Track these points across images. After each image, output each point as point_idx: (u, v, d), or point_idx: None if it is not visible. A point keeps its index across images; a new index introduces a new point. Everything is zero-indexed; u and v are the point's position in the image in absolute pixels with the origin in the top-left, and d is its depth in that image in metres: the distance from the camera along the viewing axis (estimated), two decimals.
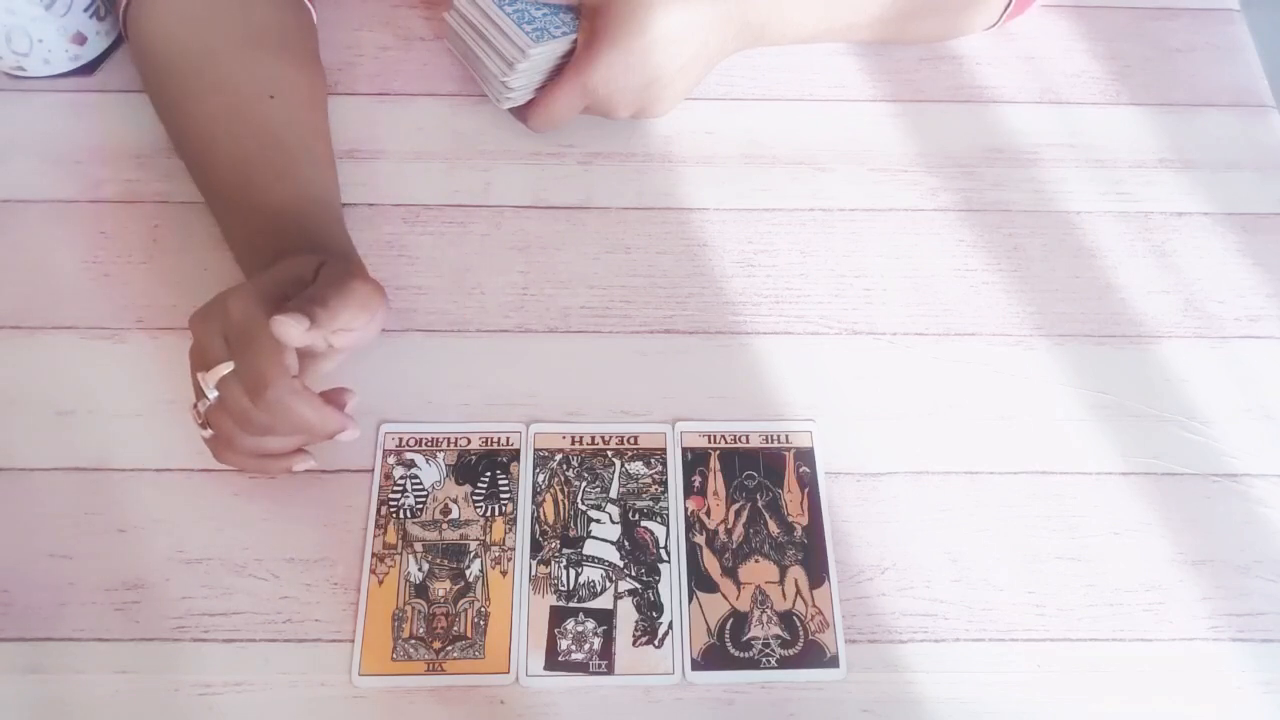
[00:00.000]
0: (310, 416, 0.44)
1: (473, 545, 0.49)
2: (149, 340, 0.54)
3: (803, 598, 0.48)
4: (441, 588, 0.48)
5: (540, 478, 0.51)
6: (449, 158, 0.61)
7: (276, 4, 0.58)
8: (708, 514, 0.50)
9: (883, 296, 0.57)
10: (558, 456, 0.51)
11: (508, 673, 0.46)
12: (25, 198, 0.58)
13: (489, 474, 0.51)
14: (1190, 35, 0.68)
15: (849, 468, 0.52)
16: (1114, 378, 0.55)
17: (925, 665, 0.47)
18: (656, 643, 0.47)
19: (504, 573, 0.48)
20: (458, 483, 0.51)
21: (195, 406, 0.46)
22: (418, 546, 0.49)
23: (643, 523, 0.50)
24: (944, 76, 0.65)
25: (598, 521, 0.50)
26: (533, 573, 0.48)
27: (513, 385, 0.53)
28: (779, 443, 0.52)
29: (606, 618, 0.47)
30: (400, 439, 0.51)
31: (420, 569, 0.48)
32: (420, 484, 0.50)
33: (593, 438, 0.52)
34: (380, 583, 0.48)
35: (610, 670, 0.46)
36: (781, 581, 0.49)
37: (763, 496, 0.51)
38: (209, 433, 0.46)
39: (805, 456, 0.52)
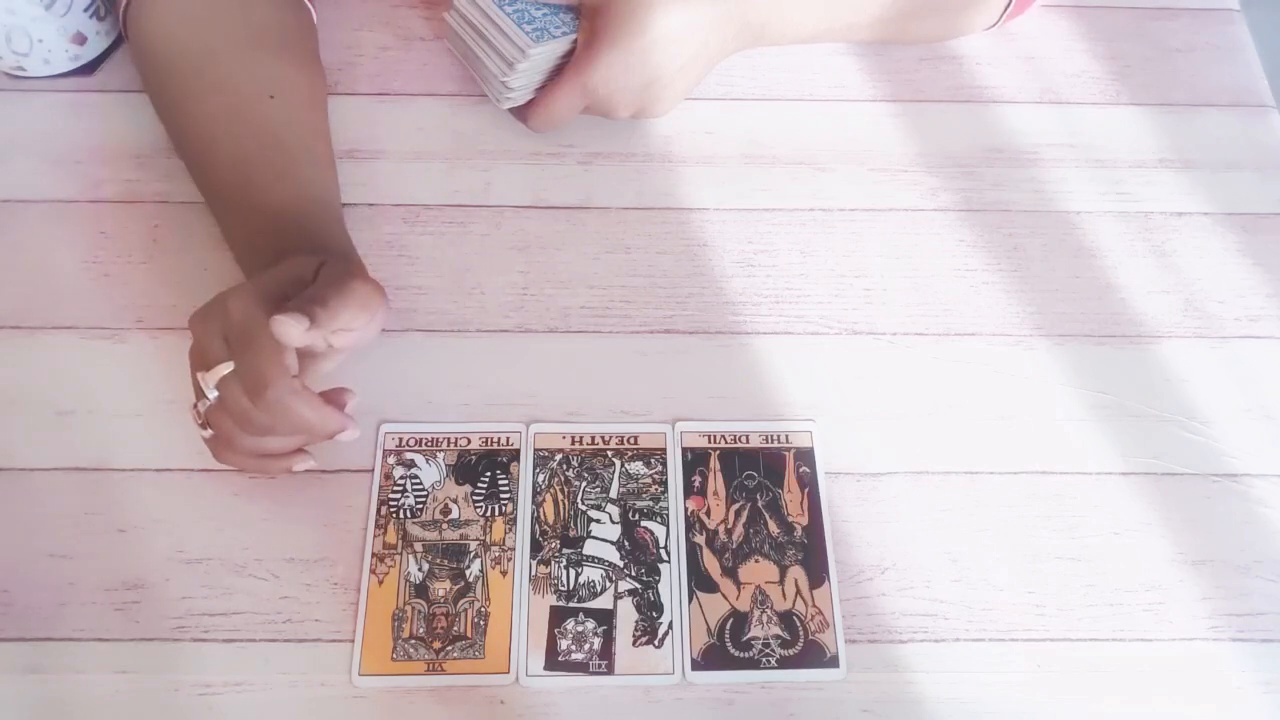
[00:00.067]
0: (310, 416, 0.44)
1: (473, 545, 0.49)
2: (149, 340, 0.54)
3: (803, 598, 0.48)
4: (441, 588, 0.48)
5: (540, 478, 0.51)
6: (449, 158, 0.61)
7: (276, 4, 0.58)
8: (708, 514, 0.50)
9: (883, 296, 0.57)
10: (558, 456, 0.51)
11: (508, 673, 0.46)
12: (25, 198, 0.58)
13: (489, 474, 0.51)
14: (1190, 35, 0.68)
15: (849, 468, 0.52)
16: (1114, 378, 0.55)
17: (925, 665, 0.47)
18: (656, 643, 0.47)
19: (504, 573, 0.48)
20: (458, 483, 0.51)
21: (195, 406, 0.46)
22: (418, 546, 0.49)
23: (643, 523, 0.50)
24: (944, 76, 0.65)
25: (598, 521, 0.50)
26: (533, 573, 0.48)
27: (513, 385, 0.53)
28: (779, 443, 0.52)
29: (606, 618, 0.47)
30: (400, 439, 0.51)
31: (420, 569, 0.48)
32: (420, 484, 0.50)
33: (593, 438, 0.52)
34: (380, 583, 0.48)
35: (610, 670, 0.46)
36: (781, 581, 0.49)
37: (763, 496, 0.51)
38: (209, 433, 0.46)
39: (805, 456, 0.52)
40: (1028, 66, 0.66)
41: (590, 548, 0.49)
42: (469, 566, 0.48)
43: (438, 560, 0.49)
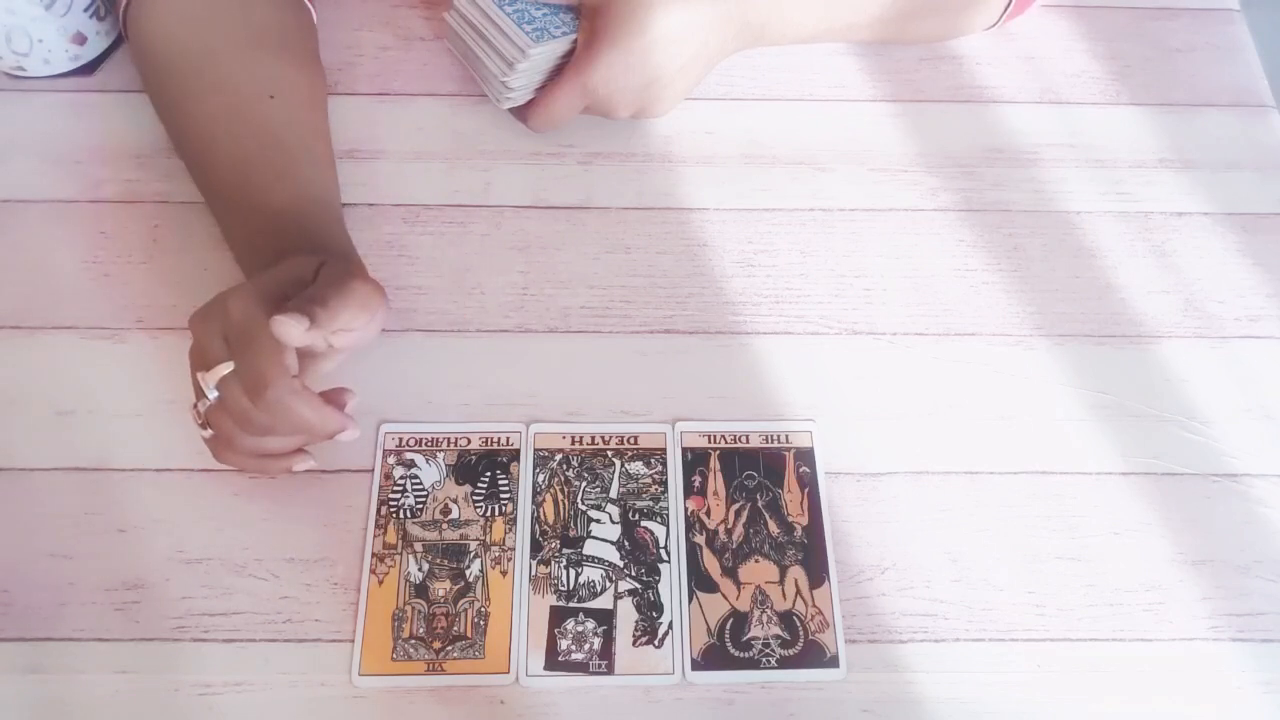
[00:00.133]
0: (310, 416, 0.44)
1: (473, 545, 0.49)
2: (149, 340, 0.54)
3: (803, 598, 0.48)
4: (441, 588, 0.48)
5: (540, 478, 0.51)
6: (449, 158, 0.61)
7: (276, 4, 0.58)
8: (708, 514, 0.50)
9: (883, 296, 0.57)
10: (558, 456, 0.51)
11: (508, 673, 0.46)
12: (25, 198, 0.58)
13: (489, 474, 0.51)
14: (1190, 35, 0.68)
15: (849, 468, 0.52)
16: (1114, 378, 0.55)
17: (925, 665, 0.47)
18: (656, 643, 0.47)
19: (504, 573, 0.48)
20: (458, 483, 0.51)
21: (195, 406, 0.46)
22: (418, 546, 0.49)
23: (643, 523, 0.50)
24: (944, 76, 0.65)
25: (598, 521, 0.50)
26: (533, 573, 0.48)
27: (513, 385, 0.53)
28: (779, 443, 0.52)
29: (606, 618, 0.47)
30: (400, 439, 0.51)
31: (420, 569, 0.48)
32: (420, 484, 0.50)
33: (593, 438, 0.52)
34: (380, 583, 0.48)
35: (610, 670, 0.46)
36: (781, 581, 0.49)
37: (763, 496, 0.51)
38: (209, 433, 0.46)
39: (805, 456, 0.52)
40: (1028, 66, 0.66)
41: (590, 548, 0.49)
42: (469, 566, 0.48)
43: (438, 560, 0.49)
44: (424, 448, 0.51)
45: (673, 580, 0.48)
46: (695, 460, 0.51)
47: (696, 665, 0.47)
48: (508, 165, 0.61)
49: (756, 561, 0.49)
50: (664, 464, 0.51)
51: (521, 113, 0.60)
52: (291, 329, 0.41)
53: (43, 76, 0.61)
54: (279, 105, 0.54)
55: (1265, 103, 0.65)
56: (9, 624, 0.47)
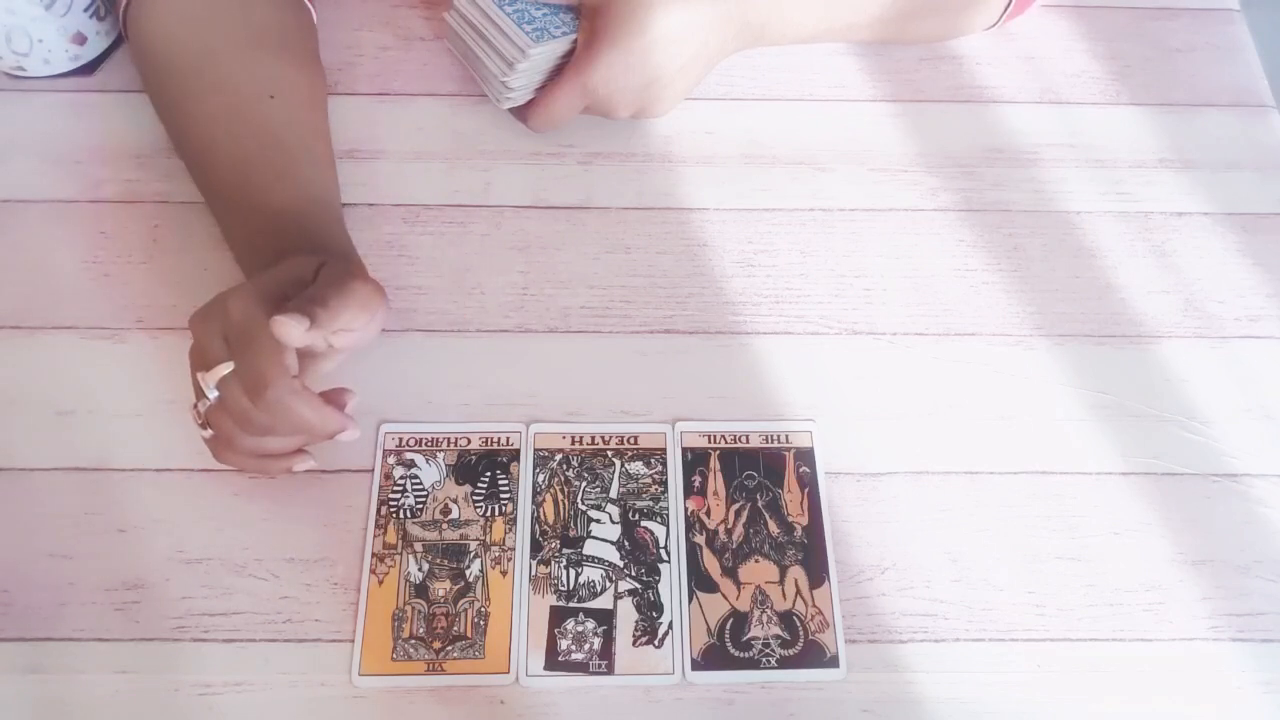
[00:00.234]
0: (310, 417, 0.44)
1: (473, 545, 0.49)
2: (149, 340, 0.54)
3: (803, 598, 0.48)
4: (441, 588, 0.48)
5: (540, 478, 0.51)
6: (449, 158, 0.61)
7: (276, 4, 0.58)
8: (708, 514, 0.50)
9: (883, 296, 0.57)
10: (558, 456, 0.51)
11: (508, 673, 0.46)
12: (25, 198, 0.58)
13: (489, 474, 0.51)
14: (1190, 35, 0.68)
15: (849, 468, 0.52)
16: (1114, 378, 0.55)
17: (925, 665, 0.47)
18: (656, 643, 0.47)
19: (504, 573, 0.48)
20: (458, 483, 0.51)
21: (195, 406, 0.46)
22: (418, 546, 0.49)
23: (643, 523, 0.50)
24: (944, 76, 0.65)
25: (598, 521, 0.50)
26: (533, 573, 0.48)
27: (513, 385, 0.53)
28: (779, 443, 0.52)
29: (606, 618, 0.47)
30: (400, 439, 0.51)
31: (420, 569, 0.48)
32: (420, 484, 0.50)
33: (593, 438, 0.52)
34: (380, 583, 0.48)
35: (610, 670, 0.46)
36: (781, 581, 0.49)
37: (763, 496, 0.51)
38: (209, 433, 0.46)
39: (805, 456, 0.52)
40: (1028, 66, 0.66)
41: (590, 548, 0.49)
42: (469, 566, 0.48)
43: (438, 560, 0.49)
44: (424, 448, 0.51)
45: (673, 580, 0.48)
46: (695, 460, 0.51)
47: (696, 665, 0.47)
48: (508, 165, 0.61)
49: (756, 561, 0.49)
50: (664, 464, 0.51)
51: (521, 113, 0.60)
52: (292, 329, 0.41)
53: (43, 76, 0.61)
54: (279, 105, 0.54)
55: (1265, 103, 0.65)
56: (9, 624, 0.47)
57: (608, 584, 0.48)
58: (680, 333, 0.55)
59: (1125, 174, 0.62)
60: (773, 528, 0.50)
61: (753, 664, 0.47)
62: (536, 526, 0.49)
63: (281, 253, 0.47)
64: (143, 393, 0.52)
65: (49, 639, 0.46)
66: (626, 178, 0.61)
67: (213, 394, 0.44)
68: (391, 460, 0.51)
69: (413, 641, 0.47)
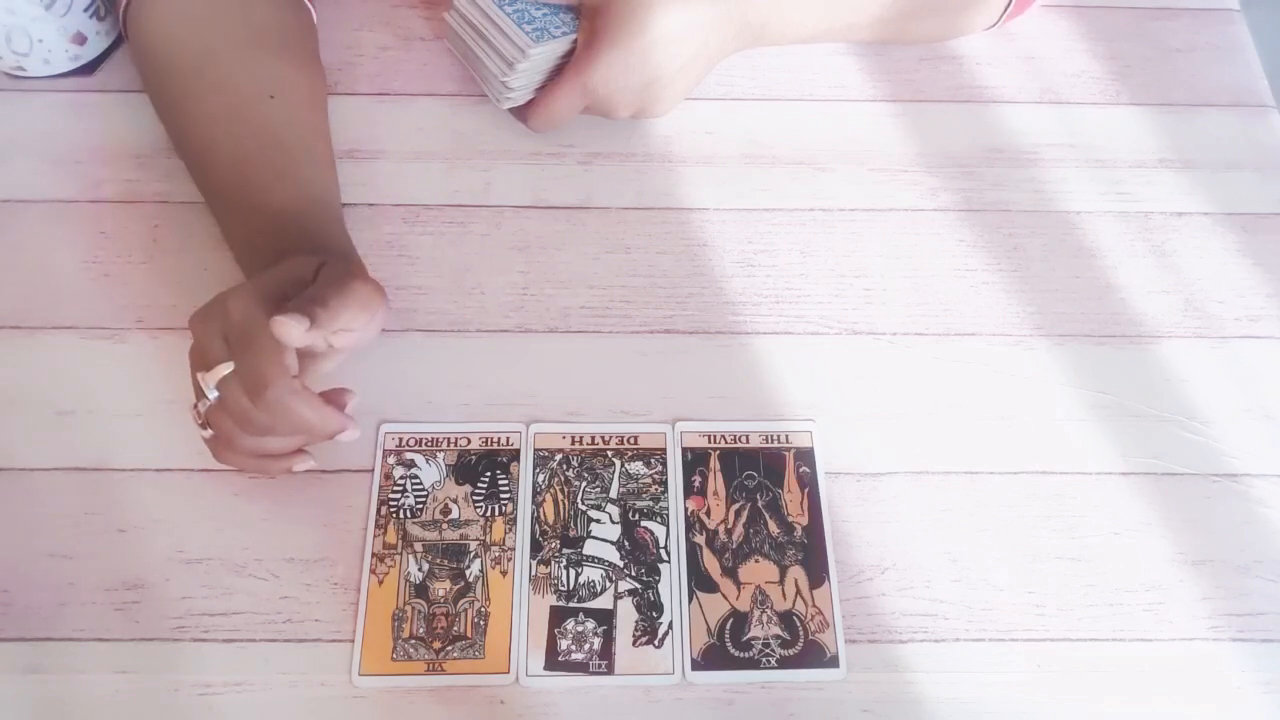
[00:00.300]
0: (310, 417, 0.44)
1: (473, 545, 0.49)
2: (149, 340, 0.54)
3: (803, 598, 0.48)
4: (441, 588, 0.48)
5: (540, 478, 0.51)
6: (449, 158, 0.61)
7: (276, 4, 0.58)
8: (708, 514, 0.50)
9: (883, 296, 0.57)
10: (558, 456, 0.51)
11: (508, 673, 0.46)
12: (25, 198, 0.58)
13: (489, 474, 0.51)
14: (1190, 35, 0.68)
15: (849, 468, 0.52)
16: (1114, 378, 0.55)
17: (925, 665, 0.47)
18: (656, 643, 0.47)
19: (504, 573, 0.48)
20: (458, 483, 0.51)
21: (195, 407, 0.46)
22: (418, 546, 0.49)
23: (643, 523, 0.50)
24: (944, 76, 0.65)
25: (598, 521, 0.50)
26: (533, 573, 0.48)
27: (513, 385, 0.53)
28: (779, 443, 0.52)
29: (606, 618, 0.47)
30: (400, 439, 0.51)
31: (420, 569, 0.48)
32: (420, 484, 0.50)
33: (593, 438, 0.52)
34: (380, 583, 0.48)
35: (610, 670, 0.46)
36: (781, 581, 0.49)
37: (763, 496, 0.51)
38: (209, 433, 0.46)
39: (805, 456, 0.52)
40: (1028, 66, 0.66)
41: (590, 548, 0.49)
42: (469, 566, 0.48)
43: (438, 560, 0.49)
44: (424, 448, 0.51)
45: (673, 580, 0.48)
46: (695, 460, 0.51)
47: (696, 665, 0.47)
48: (508, 165, 0.61)
49: (756, 561, 0.49)
50: (664, 464, 0.51)
51: (521, 113, 0.60)
52: (292, 329, 0.41)
53: (43, 76, 0.61)
54: (279, 105, 0.54)
55: (1265, 103, 0.65)
56: (9, 624, 0.47)
57: (608, 584, 0.48)
58: (680, 333, 0.55)
59: (1125, 174, 0.62)
60: (773, 528, 0.50)
61: (753, 664, 0.47)
62: (536, 526, 0.49)
63: (281, 253, 0.47)
64: (143, 393, 0.52)
65: (49, 639, 0.46)
66: (626, 178, 0.61)
67: (213, 394, 0.44)
68: (391, 460, 0.51)
69: (413, 641, 0.47)
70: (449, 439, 0.52)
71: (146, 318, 0.54)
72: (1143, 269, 0.58)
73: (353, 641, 0.47)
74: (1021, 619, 0.48)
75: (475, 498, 0.50)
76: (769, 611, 0.48)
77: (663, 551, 0.49)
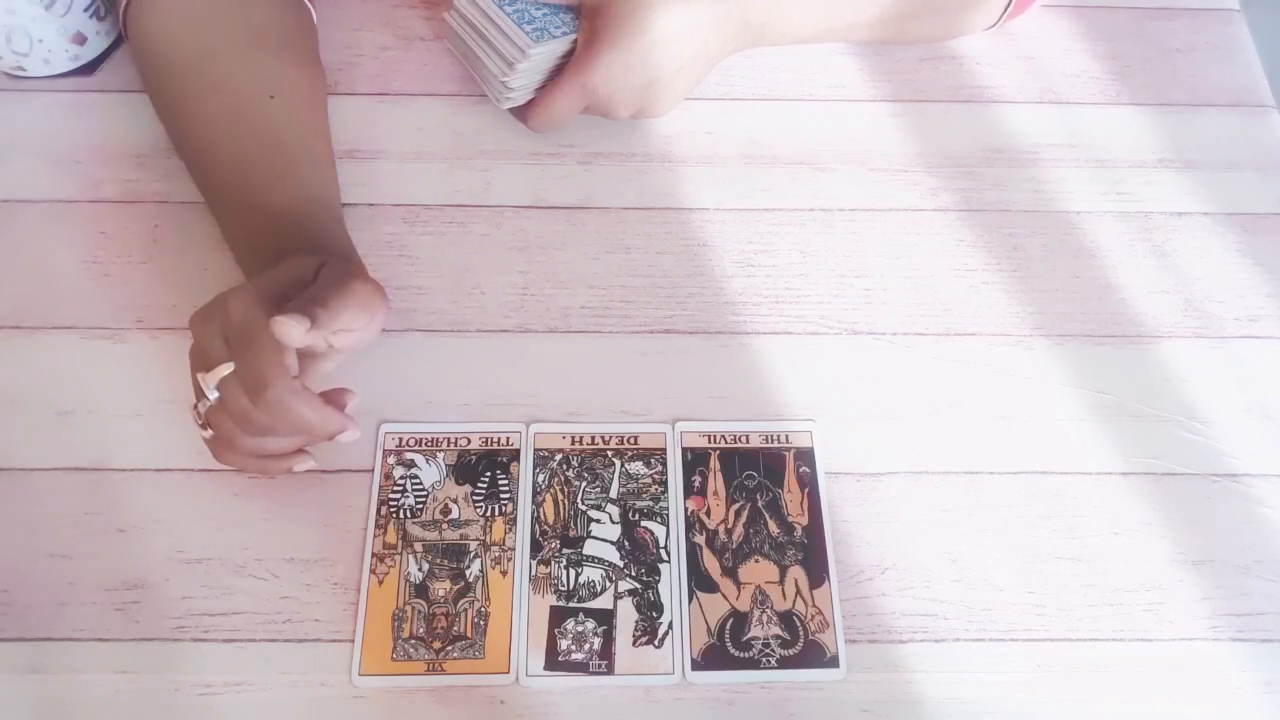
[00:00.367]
0: (310, 417, 0.44)
1: (473, 545, 0.49)
2: (149, 340, 0.54)
3: (803, 598, 0.48)
4: (441, 588, 0.48)
5: (540, 478, 0.51)
6: (449, 158, 0.61)
7: (276, 4, 0.58)
8: (708, 514, 0.50)
9: (883, 296, 0.57)
10: (558, 456, 0.51)
11: (508, 673, 0.46)
12: (25, 198, 0.58)
13: (489, 474, 0.51)
14: (1190, 35, 0.68)
15: (849, 468, 0.52)
16: (1114, 378, 0.55)
17: (925, 665, 0.47)
18: (656, 643, 0.47)
19: (504, 573, 0.48)
20: (458, 483, 0.51)
21: (195, 407, 0.46)
22: (418, 546, 0.49)
23: (643, 523, 0.50)
24: (944, 76, 0.65)
25: (598, 521, 0.50)
26: (533, 573, 0.48)
27: (513, 385, 0.53)
28: (779, 443, 0.52)
29: (606, 618, 0.48)
30: (400, 439, 0.51)
31: (420, 569, 0.48)
32: (420, 484, 0.50)
33: (593, 438, 0.52)
34: (380, 583, 0.48)
35: (610, 670, 0.46)
36: (781, 581, 0.49)
37: (763, 496, 0.51)
38: (209, 433, 0.46)
39: (805, 456, 0.52)
40: (1028, 66, 0.66)
41: (590, 548, 0.49)
42: (469, 566, 0.48)
43: (438, 560, 0.49)
44: (424, 448, 0.51)
45: (673, 580, 0.48)
46: (695, 460, 0.51)
47: (696, 665, 0.47)
48: (508, 165, 0.61)
49: (756, 561, 0.49)
50: (664, 464, 0.51)
51: (521, 113, 0.60)
52: (292, 330, 0.41)
53: (43, 76, 0.61)
54: (279, 105, 0.54)
55: (1265, 103, 0.65)
56: (9, 624, 0.47)
57: (608, 584, 0.48)
58: (680, 333, 0.55)
59: (1125, 174, 0.62)
60: (773, 528, 0.50)
61: (753, 664, 0.47)
62: (536, 526, 0.49)
63: (281, 253, 0.47)
64: (143, 393, 0.52)
65: (49, 639, 0.46)
66: (626, 178, 0.61)
67: (213, 394, 0.44)
68: (391, 460, 0.51)
69: (413, 641, 0.47)
70: (449, 439, 0.52)
71: (146, 318, 0.54)
72: (1143, 269, 0.58)
73: (353, 641, 0.47)
74: (1021, 619, 0.48)
75: (475, 498, 0.50)
76: (769, 611, 0.48)
77: (663, 551, 0.49)
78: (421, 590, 0.48)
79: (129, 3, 0.56)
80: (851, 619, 0.48)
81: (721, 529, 0.50)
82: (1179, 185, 0.61)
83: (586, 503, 0.50)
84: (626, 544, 0.49)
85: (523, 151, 0.61)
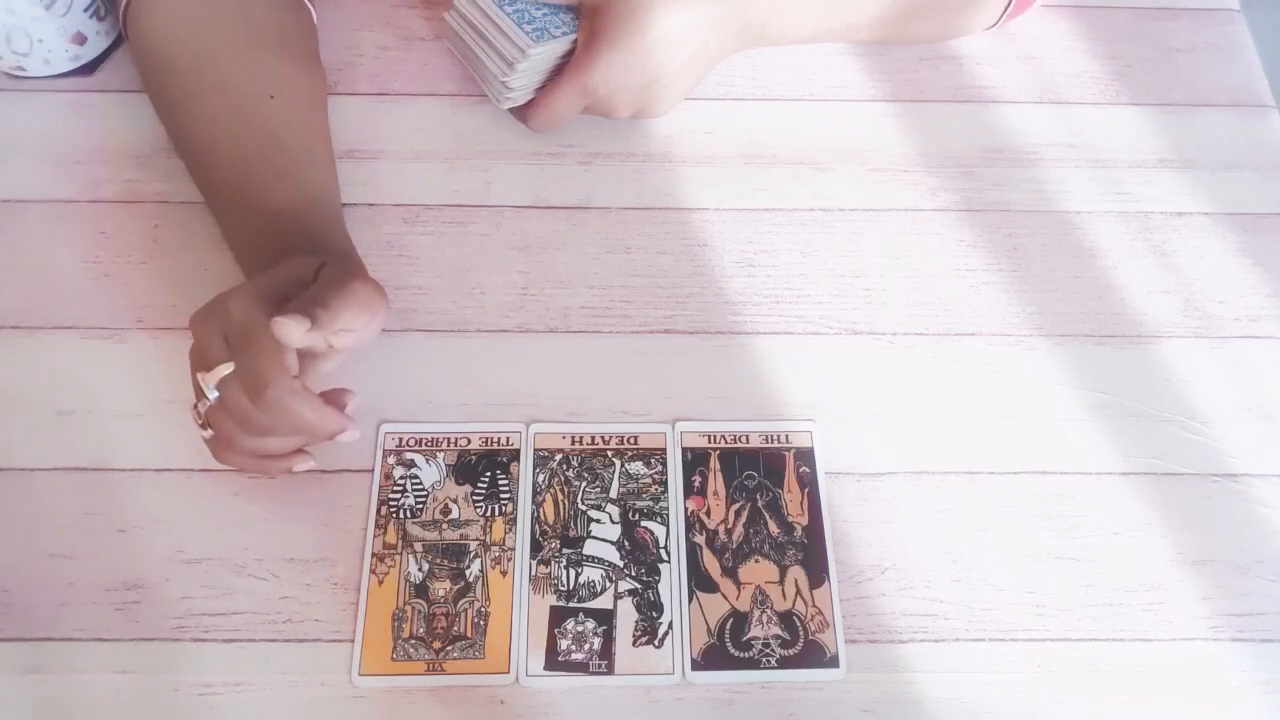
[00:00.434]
0: (310, 417, 0.44)
1: (473, 545, 0.49)
2: (149, 340, 0.54)
3: (803, 598, 0.48)
4: (441, 588, 0.48)
5: (540, 478, 0.51)
6: (449, 158, 0.61)
7: (276, 4, 0.58)
8: (708, 514, 0.50)
9: (883, 296, 0.57)
10: (558, 456, 0.51)
11: (508, 673, 0.46)
12: (25, 198, 0.58)
13: (489, 474, 0.51)
14: (1190, 35, 0.68)
15: (849, 468, 0.52)
16: (1114, 378, 0.55)
17: (925, 665, 0.47)
18: (656, 643, 0.47)
19: (504, 573, 0.48)
20: (458, 483, 0.51)
21: (195, 407, 0.46)
22: (418, 546, 0.49)
23: (643, 523, 0.50)
24: (944, 76, 0.65)
25: (598, 521, 0.50)
26: (533, 573, 0.48)
27: (513, 385, 0.53)
28: (779, 443, 0.52)
29: (606, 618, 0.48)
30: (400, 439, 0.51)
31: (420, 569, 0.48)
32: (420, 484, 0.50)
33: (593, 438, 0.52)
34: (380, 583, 0.48)
35: (610, 670, 0.46)
36: (781, 581, 0.49)
37: (763, 496, 0.51)
38: (209, 433, 0.46)
39: (805, 456, 0.52)
40: (1028, 66, 0.66)
41: (590, 548, 0.49)
42: (469, 566, 0.48)
43: (438, 560, 0.49)
44: (424, 448, 0.51)
45: (673, 580, 0.48)
46: (695, 460, 0.51)
47: (696, 665, 0.47)
48: (508, 165, 0.61)
49: (756, 561, 0.49)
50: (664, 464, 0.51)
51: (521, 113, 0.60)
52: (292, 330, 0.41)
53: (43, 76, 0.61)
54: (279, 105, 0.54)
55: (1265, 103, 0.65)
56: (9, 624, 0.47)
57: (608, 584, 0.48)
58: (680, 333, 0.55)
59: (1125, 174, 0.62)
60: (773, 528, 0.50)
61: (753, 664, 0.47)
62: (536, 526, 0.49)
63: (281, 253, 0.47)
64: (143, 393, 0.52)
65: (49, 639, 0.46)
66: (626, 178, 0.61)
67: (213, 394, 0.44)
68: (391, 460, 0.51)
69: (413, 641, 0.47)
70: (449, 439, 0.52)
71: (146, 318, 0.54)
72: (1143, 269, 0.58)
73: (353, 641, 0.47)
74: (1021, 619, 0.48)
75: (475, 498, 0.50)
76: (769, 611, 0.48)
77: (663, 551, 0.49)
78: (421, 590, 0.48)
79: (129, 3, 0.56)
80: (851, 619, 0.48)
81: (721, 529, 0.50)
82: (1179, 185, 0.61)
83: (586, 503, 0.50)
84: (626, 544, 0.49)
85: (523, 151, 0.61)
